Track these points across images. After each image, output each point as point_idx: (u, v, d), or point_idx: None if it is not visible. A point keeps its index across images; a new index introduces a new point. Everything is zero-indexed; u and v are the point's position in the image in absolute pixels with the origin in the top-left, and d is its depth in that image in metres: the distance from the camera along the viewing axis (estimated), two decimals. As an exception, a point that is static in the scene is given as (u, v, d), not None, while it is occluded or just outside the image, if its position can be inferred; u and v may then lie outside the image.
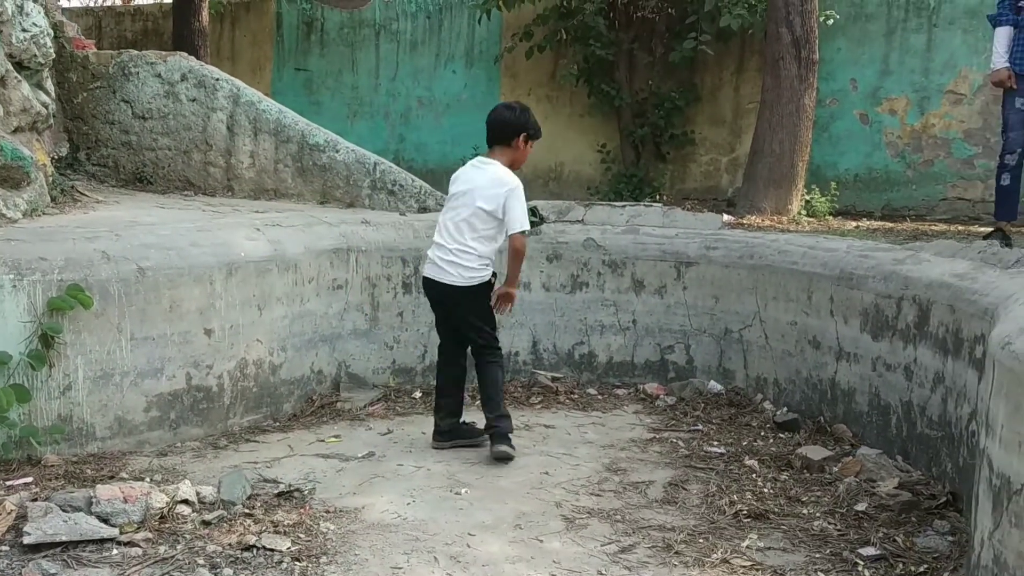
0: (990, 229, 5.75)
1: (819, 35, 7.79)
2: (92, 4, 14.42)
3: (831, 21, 8.57)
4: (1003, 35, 5.43)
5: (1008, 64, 5.39)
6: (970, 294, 3.55)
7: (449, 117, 10.64)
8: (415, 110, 10.91)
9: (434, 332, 5.18)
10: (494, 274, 4.15)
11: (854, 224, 7.07)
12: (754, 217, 7.20)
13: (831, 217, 7.60)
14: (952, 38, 8.46)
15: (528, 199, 4.91)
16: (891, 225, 7.12)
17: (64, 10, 11.58)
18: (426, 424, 4.48)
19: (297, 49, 11.53)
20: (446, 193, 4.30)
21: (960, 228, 6.92)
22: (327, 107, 11.19)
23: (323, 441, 4.26)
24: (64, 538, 2.94)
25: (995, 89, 5.79)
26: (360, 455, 4.05)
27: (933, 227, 7.03)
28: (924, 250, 4.30)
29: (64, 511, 3.07)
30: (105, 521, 3.07)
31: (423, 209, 5.75)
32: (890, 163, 8.68)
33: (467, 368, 4.26)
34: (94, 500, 3.12)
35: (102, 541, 2.99)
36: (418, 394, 5.05)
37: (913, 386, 3.91)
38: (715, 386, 5.08)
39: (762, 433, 4.52)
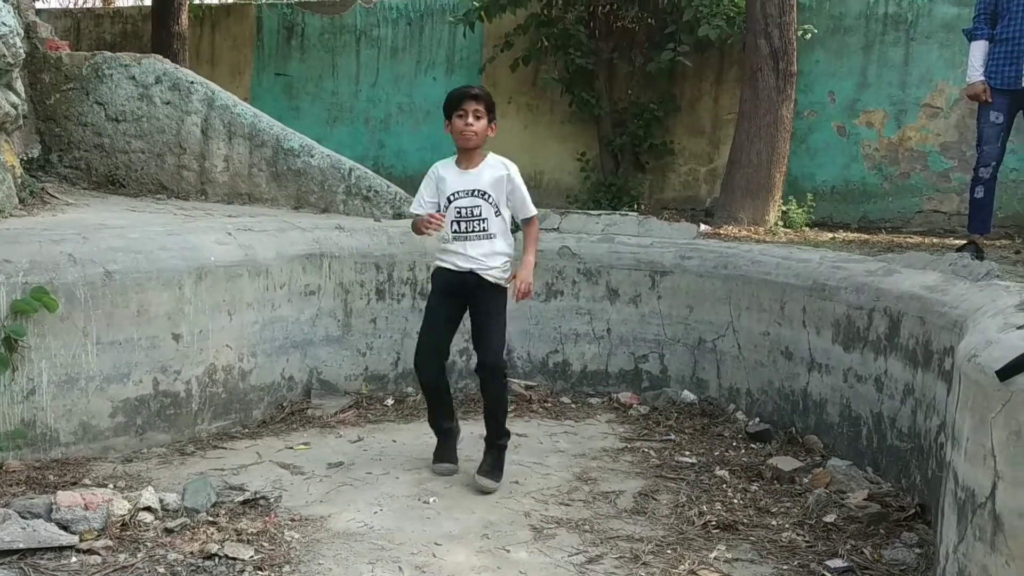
0: (964, 242, 5.78)
1: (797, 47, 7.83)
2: (71, 6, 14.32)
3: (808, 36, 8.61)
4: (978, 49, 5.45)
5: (983, 78, 5.41)
6: (940, 306, 3.56)
7: (429, 124, 10.60)
8: (395, 116, 10.88)
9: (407, 339, 5.19)
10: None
11: (830, 235, 7.10)
12: (731, 227, 7.22)
13: (808, 228, 7.62)
14: (929, 52, 8.52)
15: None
16: (867, 237, 7.15)
17: (41, 11, 11.50)
18: (397, 432, 4.45)
19: (277, 54, 11.48)
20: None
21: (935, 241, 6.95)
22: (307, 112, 11.15)
23: (292, 448, 4.21)
24: (22, 545, 2.89)
25: (971, 103, 5.82)
26: (329, 463, 4.01)
27: (908, 239, 7.06)
28: (896, 262, 4.31)
29: (23, 518, 3.02)
30: (65, 528, 3.02)
31: (398, 215, 5.72)
32: (867, 175, 8.72)
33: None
34: (54, 507, 3.07)
35: (61, 549, 2.94)
36: (390, 401, 5.02)
37: (883, 398, 3.91)
38: (688, 396, 5.08)
39: (734, 443, 4.51)
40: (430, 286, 4.04)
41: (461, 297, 3.91)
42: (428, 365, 3.95)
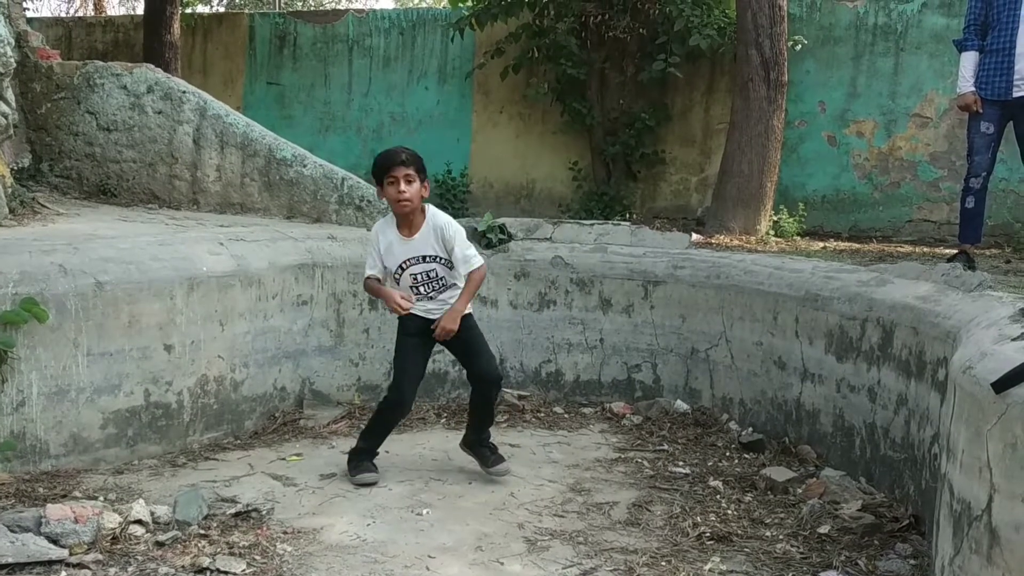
0: (954, 251, 5.79)
1: (788, 57, 7.85)
2: (62, 14, 14.28)
3: (799, 46, 8.65)
4: (969, 60, 5.47)
5: (974, 88, 5.44)
6: (933, 316, 3.57)
7: (421, 133, 10.60)
8: (387, 126, 10.87)
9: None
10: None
11: (821, 245, 7.11)
12: (723, 236, 7.22)
13: (799, 237, 7.64)
14: (919, 62, 8.57)
15: (499, 216, 5.33)
16: (857, 246, 7.16)
17: (33, 20, 11.47)
18: (390, 442, 4.40)
19: (270, 63, 11.46)
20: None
21: (925, 250, 6.97)
22: (299, 121, 11.12)
23: (284, 459, 4.19)
24: (10, 560, 2.86)
25: (960, 113, 5.84)
26: (321, 474, 3.99)
27: (899, 248, 7.08)
28: (888, 272, 4.32)
29: (12, 531, 2.99)
30: (54, 542, 3.00)
31: (391, 225, 5.70)
32: (857, 185, 8.76)
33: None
34: (43, 520, 3.05)
35: (50, 563, 2.92)
36: (383, 412, 4.99)
37: (877, 408, 3.92)
38: (681, 405, 5.07)
39: (727, 453, 4.51)
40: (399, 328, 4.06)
41: (432, 334, 4.00)
42: (410, 391, 4.01)
